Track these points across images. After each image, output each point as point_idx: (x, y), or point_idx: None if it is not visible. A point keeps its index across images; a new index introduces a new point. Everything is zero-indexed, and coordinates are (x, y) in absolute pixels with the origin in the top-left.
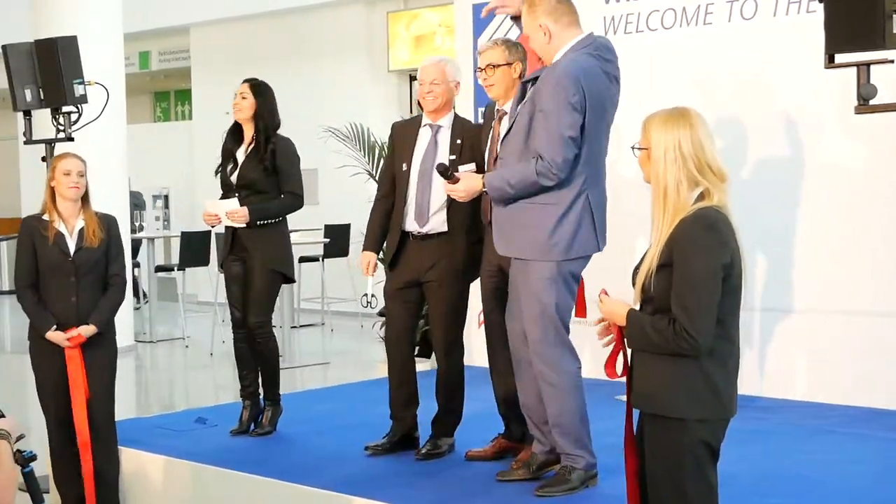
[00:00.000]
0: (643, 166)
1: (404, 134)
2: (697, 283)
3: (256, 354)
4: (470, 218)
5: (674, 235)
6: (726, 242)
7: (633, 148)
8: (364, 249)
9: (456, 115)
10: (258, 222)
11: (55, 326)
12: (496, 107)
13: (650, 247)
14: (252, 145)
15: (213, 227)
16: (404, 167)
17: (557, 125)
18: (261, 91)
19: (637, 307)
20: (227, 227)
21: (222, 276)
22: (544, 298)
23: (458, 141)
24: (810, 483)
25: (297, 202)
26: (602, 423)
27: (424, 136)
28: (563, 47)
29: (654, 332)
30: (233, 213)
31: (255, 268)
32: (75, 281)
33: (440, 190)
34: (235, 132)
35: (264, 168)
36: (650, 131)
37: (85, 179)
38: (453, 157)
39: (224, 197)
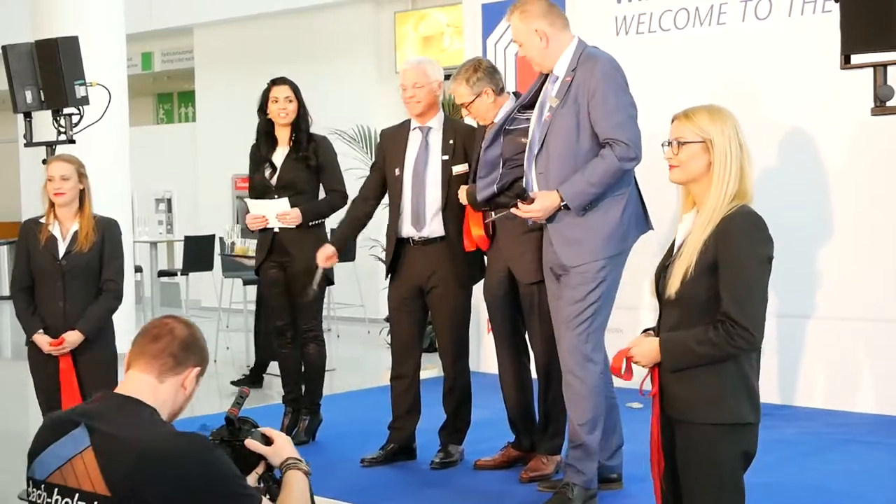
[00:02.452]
0: (689, 162)
1: (394, 140)
2: (752, 278)
3: (304, 359)
4: (462, 223)
5: (720, 232)
6: (771, 239)
7: (677, 143)
8: (329, 241)
9: (446, 116)
10: (310, 223)
11: (42, 330)
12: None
13: (680, 244)
14: (291, 146)
15: (255, 230)
16: (396, 172)
17: (623, 105)
18: (298, 90)
19: (657, 309)
20: (263, 230)
21: (225, 280)
22: (585, 293)
23: (451, 141)
24: (831, 493)
25: (343, 199)
26: None
27: (415, 139)
28: (563, 52)
29: (700, 346)
30: (284, 214)
31: (299, 273)
32: (62, 285)
33: (435, 193)
34: (270, 136)
35: (307, 166)
36: (702, 123)
37: (71, 183)
38: (446, 157)
39: (259, 199)
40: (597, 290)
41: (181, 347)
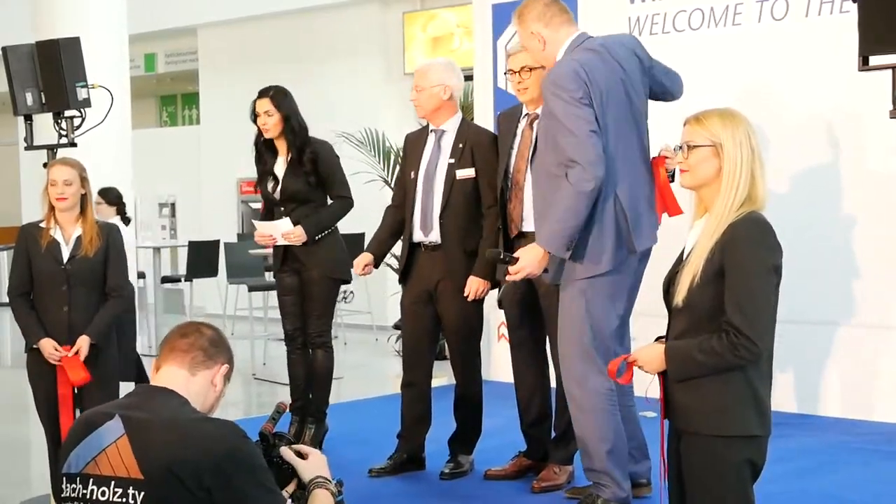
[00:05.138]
0: (698, 166)
1: (413, 143)
2: (757, 286)
3: (311, 366)
4: (463, 229)
5: (726, 240)
6: (778, 246)
7: (687, 147)
8: (365, 250)
9: (463, 119)
10: (316, 237)
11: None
12: (525, 110)
13: (688, 251)
14: (290, 158)
15: (266, 247)
16: (412, 175)
17: (572, 125)
18: (281, 101)
19: (666, 319)
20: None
21: (230, 287)
22: (573, 310)
23: (461, 145)
24: None
25: (347, 205)
26: None
27: (430, 142)
28: (561, 49)
29: (703, 354)
30: (288, 234)
31: (313, 278)
32: (67, 291)
33: (442, 195)
34: (270, 146)
35: (307, 181)
36: (713, 127)
37: (74, 188)
38: (452, 160)
39: (268, 215)
40: (578, 308)
41: (210, 343)
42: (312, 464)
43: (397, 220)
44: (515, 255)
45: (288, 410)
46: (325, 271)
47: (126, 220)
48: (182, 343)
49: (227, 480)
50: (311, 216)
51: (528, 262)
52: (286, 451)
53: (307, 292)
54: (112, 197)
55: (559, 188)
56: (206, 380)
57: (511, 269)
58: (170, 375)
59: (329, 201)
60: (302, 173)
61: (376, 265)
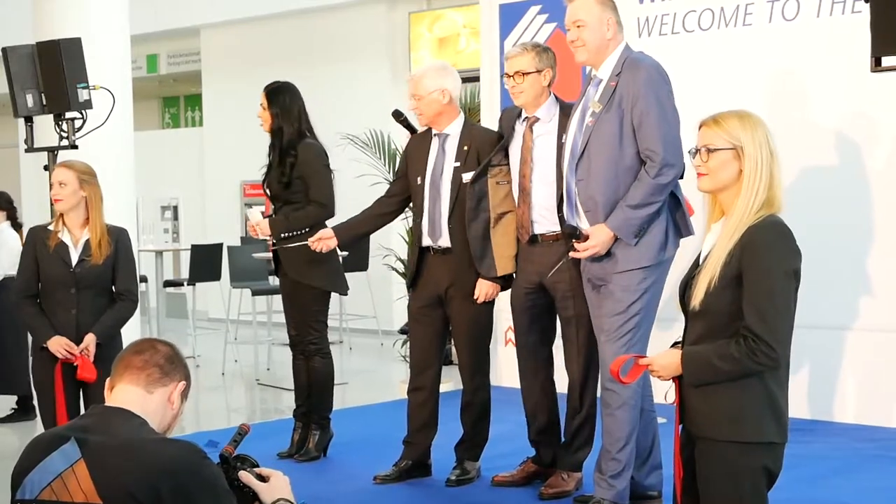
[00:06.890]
0: (719, 170)
1: (417, 147)
2: (776, 291)
3: (310, 374)
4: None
5: (745, 243)
6: (798, 250)
7: (706, 150)
8: (333, 227)
9: (466, 121)
10: (282, 234)
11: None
12: (524, 114)
13: (705, 255)
14: (273, 157)
15: (258, 237)
16: (418, 181)
17: (664, 115)
18: (276, 98)
19: (684, 323)
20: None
21: (233, 291)
22: (627, 297)
23: (465, 147)
24: None
25: (322, 212)
26: None
27: (434, 146)
28: (617, 49)
29: (721, 360)
30: (256, 224)
31: (292, 283)
32: (75, 293)
33: (450, 199)
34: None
35: (279, 181)
36: (733, 130)
37: (68, 190)
38: (458, 163)
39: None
40: (639, 301)
41: (166, 360)
42: (274, 486)
43: (381, 212)
44: (585, 231)
45: (292, 416)
46: (298, 276)
47: (17, 226)
48: (137, 360)
49: (189, 503)
50: (283, 214)
51: (599, 242)
52: (244, 475)
53: (291, 297)
54: (2, 201)
55: (634, 177)
56: (163, 397)
57: (579, 245)
58: (125, 394)
59: None
60: (279, 173)
61: (342, 249)
